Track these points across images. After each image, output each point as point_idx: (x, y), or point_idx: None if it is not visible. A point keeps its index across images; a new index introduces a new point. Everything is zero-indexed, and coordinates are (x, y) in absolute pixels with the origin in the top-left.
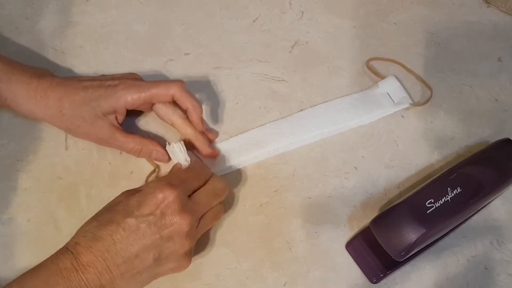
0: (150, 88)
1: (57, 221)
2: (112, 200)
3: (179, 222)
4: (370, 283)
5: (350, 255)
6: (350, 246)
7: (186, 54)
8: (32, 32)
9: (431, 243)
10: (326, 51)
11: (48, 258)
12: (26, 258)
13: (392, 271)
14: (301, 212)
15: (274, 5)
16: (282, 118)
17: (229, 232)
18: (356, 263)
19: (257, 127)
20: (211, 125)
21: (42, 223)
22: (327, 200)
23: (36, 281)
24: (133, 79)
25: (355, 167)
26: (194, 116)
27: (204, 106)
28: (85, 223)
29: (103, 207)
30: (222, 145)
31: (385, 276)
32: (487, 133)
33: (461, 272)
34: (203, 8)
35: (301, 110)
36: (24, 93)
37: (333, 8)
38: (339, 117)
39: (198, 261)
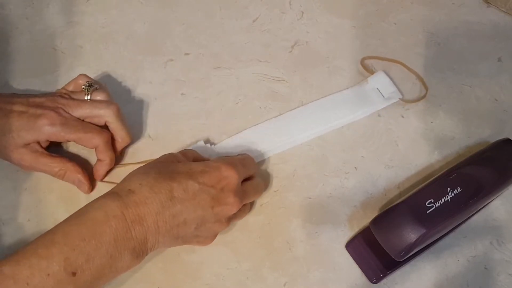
0: (76, 132)
1: (57, 221)
2: (166, 157)
3: (231, 203)
4: (370, 283)
5: (350, 255)
6: (350, 246)
7: (186, 54)
8: (32, 32)
9: (431, 243)
10: (326, 51)
11: (94, 202)
12: None
13: (392, 271)
14: (301, 212)
15: (274, 5)
16: (273, 118)
17: (229, 232)
18: (356, 263)
19: (249, 128)
20: (211, 125)
21: (42, 223)
22: (327, 200)
23: (82, 229)
24: (61, 108)
25: (355, 167)
26: (118, 148)
27: (204, 106)
28: (141, 170)
29: (158, 160)
30: (217, 147)
31: (385, 276)
32: (487, 133)
33: (461, 272)
34: (203, 8)
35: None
36: None
37: (333, 8)
38: (331, 115)
39: (198, 261)
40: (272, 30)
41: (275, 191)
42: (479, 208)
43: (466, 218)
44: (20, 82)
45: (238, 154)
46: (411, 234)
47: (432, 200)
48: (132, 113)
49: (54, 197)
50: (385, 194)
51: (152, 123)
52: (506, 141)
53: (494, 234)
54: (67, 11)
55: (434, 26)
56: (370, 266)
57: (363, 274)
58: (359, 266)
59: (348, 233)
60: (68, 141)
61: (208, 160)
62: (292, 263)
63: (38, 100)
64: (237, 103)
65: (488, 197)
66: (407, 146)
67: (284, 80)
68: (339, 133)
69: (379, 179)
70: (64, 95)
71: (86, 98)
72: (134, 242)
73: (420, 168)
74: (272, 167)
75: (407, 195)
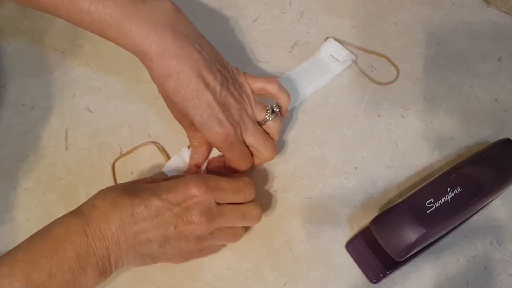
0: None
1: None
2: (143, 178)
3: (196, 223)
4: (370, 283)
5: (350, 255)
6: (350, 246)
7: None
8: (32, 32)
9: (431, 243)
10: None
11: (59, 219)
12: None
13: (392, 271)
14: (301, 212)
15: (274, 5)
16: None
17: None
18: (356, 263)
19: None
20: None
21: (42, 223)
22: (327, 200)
23: (45, 246)
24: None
25: (355, 167)
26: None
27: None
28: (108, 188)
29: (131, 181)
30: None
31: (385, 276)
32: (487, 133)
33: (461, 272)
34: (203, 8)
35: (302, 111)
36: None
37: (333, 8)
38: (296, 88)
39: (198, 261)
40: (272, 30)
41: (275, 191)
42: (479, 208)
43: (466, 218)
44: (20, 82)
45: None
46: (411, 234)
47: (432, 200)
48: (132, 113)
49: (54, 197)
50: (385, 194)
51: (152, 123)
52: (506, 141)
53: (494, 234)
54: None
55: (434, 26)
56: (370, 266)
57: (363, 274)
58: (359, 266)
59: (348, 233)
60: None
61: (189, 175)
62: (292, 263)
63: None
64: None
65: (488, 197)
66: (407, 146)
67: None
68: (339, 133)
69: (379, 179)
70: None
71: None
72: (96, 257)
73: (420, 168)
74: (272, 167)
75: (407, 195)
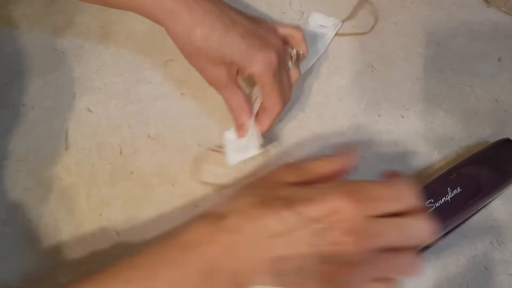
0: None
1: (57, 221)
2: (276, 174)
3: (341, 244)
4: None
5: None
6: None
7: None
8: (32, 32)
9: (431, 243)
10: (326, 51)
11: (187, 225)
12: (26, 258)
13: None
14: None
15: (274, 5)
16: None
17: None
18: None
19: None
20: (211, 125)
21: (42, 223)
22: None
23: (169, 254)
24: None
25: (355, 167)
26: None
27: (204, 106)
28: (238, 193)
29: (263, 179)
30: None
31: None
32: (487, 133)
33: (461, 272)
34: None
35: (302, 111)
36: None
37: (333, 8)
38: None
39: None
40: None
41: None
42: (479, 208)
43: (466, 218)
44: (20, 82)
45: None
46: None
47: (432, 200)
48: (132, 113)
49: (54, 197)
50: None
51: (152, 123)
52: (506, 141)
53: (494, 234)
54: (67, 11)
55: (434, 26)
56: None
57: None
58: None
59: None
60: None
61: (331, 183)
62: None
63: (263, 31)
64: None
65: (488, 197)
66: (407, 146)
67: None
68: (339, 133)
69: (379, 179)
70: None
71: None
72: (225, 275)
73: (420, 168)
74: (272, 167)
75: None
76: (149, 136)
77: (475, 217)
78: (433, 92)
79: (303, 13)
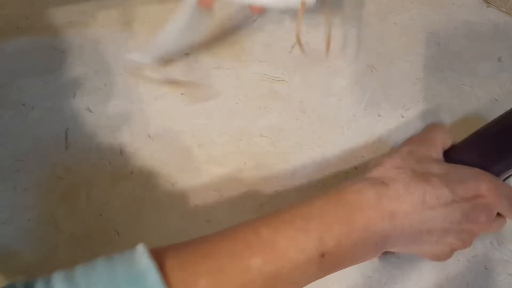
0: None
1: (57, 221)
2: (416, 146)
3: (480, 224)
4: (370, 282)
5: None
6: None
7: (186, 54)
8: (32, 32)
9: None
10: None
11: (349, 185)
12: (26, 258)
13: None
14: None
15: None
16: None
17: None
18: None
19: None
20: (211, 124)
21: (42, 223)
22: None
23: (338, 210)
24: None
25: (355, 167)
26: None
27: (204, 106)
28: (394, 162)
29: (411, 152)
30: None
31: None
32: None
33: (461, 272)
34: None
35: (302, 111)
36: None
37: (333, 6)
38: None
39: None
40: (272, 30)
41: (275, 191)
42: None
43: None
44: (20, 82)
45: None
46: None
47: None
48: (132, 113)
49: (54, 197)
50: None
51: (152, 123)
52: None
53: (494, 234)
54: (67, 10)
55: (434, 26)
56: None
57: (363, 274)
58: None
59: None
60: None
61: (475, 169)
62: None
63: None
64: (237, 103)
65: None
66: None
67: (284, 80)
68: (339, 133)
69: None
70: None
71: None
72: (377, 237)
73: None
74: (272, 167)
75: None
76: (149, 136)
77: None
78: (433, 92)
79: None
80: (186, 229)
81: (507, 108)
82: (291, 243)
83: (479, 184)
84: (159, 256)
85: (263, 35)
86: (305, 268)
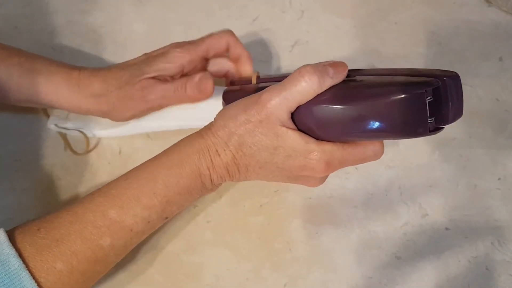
0: (203, 40)
1: None
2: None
3: (315, 173)
4: (369, 283)
5: None
6: None
7: None
8: (31, 32)
9: None
10: (327, 51)
11: (189, 157)
12: None
13: None
14: (301, 212)
15: (274, 4)
16: None
17: (229, 232)
18: None
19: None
20: None
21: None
22: (328, 201)
23: (180, 183)
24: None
25: (356, 167)
26: (247, 64)
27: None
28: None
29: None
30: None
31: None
32: (488, 132)
33: (462, 272)
34: (202, 7)
35: None
36: (65, 83)
37: (334, 7)
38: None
39: (198, 261)
40: (272, 29)
41: (275, 191)
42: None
43: None
44: None
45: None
46: None
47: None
48: None
49: (53, 198)
50: (386, 195)
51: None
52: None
53: (495, 234)
54: (66, 10)
55: (435, 26)
56: None
57: (363, 274)
58: None
59: (348, 234)
60: (198, 62)
61: (314, 144)
62: (292, 263)
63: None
64: None
65: None
66: (408, 146)
67: None
68: None
69: (380, 179)
70: None
71: None
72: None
73: (421, 168)
74: None
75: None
76: (148, 137)
77: (476, 217)
78: None
79: (303, 12)
80: (186, 229)
81: (508, 108)
82: (138, 219)
83: (307, 161)
84: (16, 242)
85: (263, 35)
86: (151, 231)
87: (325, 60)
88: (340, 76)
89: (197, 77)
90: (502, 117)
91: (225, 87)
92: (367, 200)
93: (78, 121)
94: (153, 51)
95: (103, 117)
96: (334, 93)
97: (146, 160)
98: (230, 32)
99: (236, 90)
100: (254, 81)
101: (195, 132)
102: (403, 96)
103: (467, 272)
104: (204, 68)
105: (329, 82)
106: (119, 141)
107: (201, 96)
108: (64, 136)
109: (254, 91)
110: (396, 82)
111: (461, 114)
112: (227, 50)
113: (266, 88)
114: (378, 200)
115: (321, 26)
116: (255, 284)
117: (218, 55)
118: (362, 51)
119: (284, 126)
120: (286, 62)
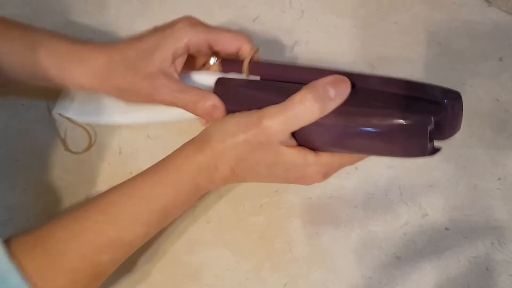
0: (217, 32)
1: None
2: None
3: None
4: (369, 284)
5: None
6: None
7: None
8: None
9: None
10: (327, 51)
11: (189, 175)
12: None
13: None
14: (301, 212)
15: (274, 4)
16: None
17: (229, 232)
18: None
19: None
20: None
21: (41, 223)
22: (328, 201)
23: (179, 200)
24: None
25: (356, 168)
26: (245, 46)
27: None
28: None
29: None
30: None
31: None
32: (488, 132)
33: (462, 273)
34: (202, 7)
35: None
36: (68, 56)
37: (334, 7)
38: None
39: (198, 261)
40: (272, 29)
41: (275, 191)
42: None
43: None
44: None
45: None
46: None
47: None
48: None
49: (53, 197)
50: (386, 195)
51: (152, 123)
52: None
53: (495, 234)
54: (66, 10)
55: (435, 26)
56: None
57: (363, 274)
58: None
59: (348, 234)
60: (204, 48)
61: (311, 155)
62: (292, 263)
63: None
64: None
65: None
66: None
67: None
68: None
69: (380, 179)
70: None
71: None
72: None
73: (421, 168)
74: None
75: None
76: (148, 137)
77: (476, 217)
78: None
79: (303, 12)
80: (187, 229)
81: (508, 108)
82: (136, 235)
83: (305, 171)
84: (16, 256)
85: (263, 35)
86: (149, 238)
87: (324, 61)
88: (342, 97)
89: (209, 102)
90: (502, 117)
91: (217, 75)
92: (367, 200)
93: (83, 108)
94: (163, 25)
95: (110, 94)
96: (335, 113)
97: (146, 160)
98: (245, 38)
99: (227, 84)
100: (245, 71)
101: (190, 143)
102: (406, 123)
103: (467, 272)
104: (207, 54)
105: (331, 106)
106: (119, 141)
107: (208, 120)
108: (61, 137)
109: (246, 86)
110: (400, 106)
111: (459, 129)
112: (237, 53)
113: (267, 111)
114: (378, 200)
115: (321, 26)
116: (255, 284)
117: (224, 52)
118: (362, 51)
119: (283, 145)
120: (286, 62)
